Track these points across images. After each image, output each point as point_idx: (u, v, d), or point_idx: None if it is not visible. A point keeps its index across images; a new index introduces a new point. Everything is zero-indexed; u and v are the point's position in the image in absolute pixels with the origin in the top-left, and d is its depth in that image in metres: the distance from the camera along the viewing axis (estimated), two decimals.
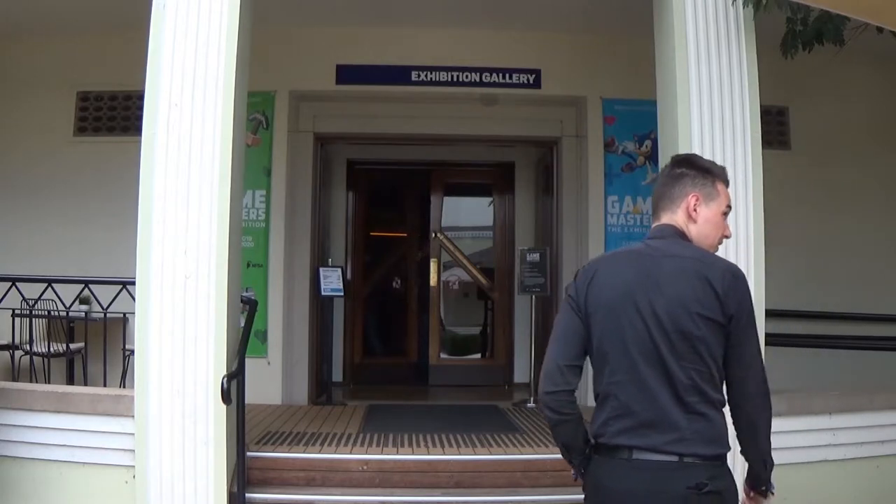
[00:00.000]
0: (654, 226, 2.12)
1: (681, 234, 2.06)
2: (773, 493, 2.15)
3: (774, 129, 6.56)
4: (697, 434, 1.90)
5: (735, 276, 1.96)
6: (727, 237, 2.16)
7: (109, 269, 5.23)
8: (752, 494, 2.15)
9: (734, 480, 2.00)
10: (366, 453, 4.44)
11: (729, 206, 2.14)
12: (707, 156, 4.19)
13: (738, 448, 2.08)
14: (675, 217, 2.08)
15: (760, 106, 4.30)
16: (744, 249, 4.19)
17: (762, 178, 4.24)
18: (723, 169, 2.15)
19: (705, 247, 2.07)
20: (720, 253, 2.14)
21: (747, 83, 4.26)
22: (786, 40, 4.21)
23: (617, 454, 1.93)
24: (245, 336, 4.28)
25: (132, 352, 4.17)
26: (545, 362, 2.02)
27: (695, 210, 2.07)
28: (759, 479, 2.11)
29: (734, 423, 2.03)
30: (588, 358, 2.05)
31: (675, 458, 1.88)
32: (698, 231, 2.07)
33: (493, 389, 7.56)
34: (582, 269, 2.11)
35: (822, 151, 6.58)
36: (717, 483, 1.91)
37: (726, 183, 2.14)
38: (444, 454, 4.47)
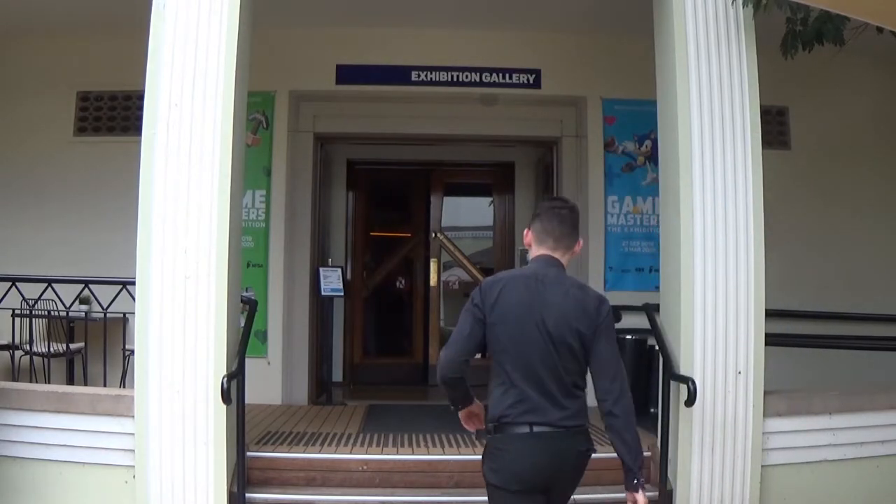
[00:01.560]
0: (544, 255, 2.70)
1: (560, 266, 2.70)
2: (643, 488, 2.56)
3: (774, 129, 6.56)
4: (576, 412, 2.60)
5: (601, 302, 2.66)
6: None
7: (109, 269, 5.23)
8: (628, 496, 2.58)
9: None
10: (366, 453, 4.44)
11: None
12: (707, 156, 4.22)
13: None
14: (561, 252, 2.71)
15: (760, 106, 4.31)
16: (743, 249, 4.19)
17: (762, 178, 4.24)
18: None
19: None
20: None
21: (747, 83, 4.26)
22: (786, 40, 4.21)
23: (521, 429, 2.55)
24: (245, 336, 4.28)
25: (132, 352, 4.17)
26: (448, 353, 2.60)
27: (577, 250, 2.76)
28: (629, 471, 2.58)
29: (601, 411, 2.62)
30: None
31: (563, 430, 2.56)
32: (567, 262, 2.74)
33: None
34: (486, 286, 2.65)
35: (822, 151, 6.57)
36: (590, 445, 2.67)
37: None
38: (444, 454, 4.47)
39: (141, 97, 4.12)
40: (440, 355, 2.65)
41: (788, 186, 6.07)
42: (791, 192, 6.15)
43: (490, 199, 8.46)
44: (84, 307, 5.40)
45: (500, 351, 2.58)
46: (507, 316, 2.57)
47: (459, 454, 4.44)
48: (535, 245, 2.72)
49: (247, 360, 4.22)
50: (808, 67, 4.90)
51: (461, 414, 2.75)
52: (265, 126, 6.38)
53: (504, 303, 2.58)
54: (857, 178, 6.62)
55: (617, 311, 6.30)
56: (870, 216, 6.62)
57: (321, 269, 6.63)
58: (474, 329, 2.60)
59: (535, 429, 2.53)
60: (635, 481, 2.55)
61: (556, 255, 2.69)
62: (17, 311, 5.04)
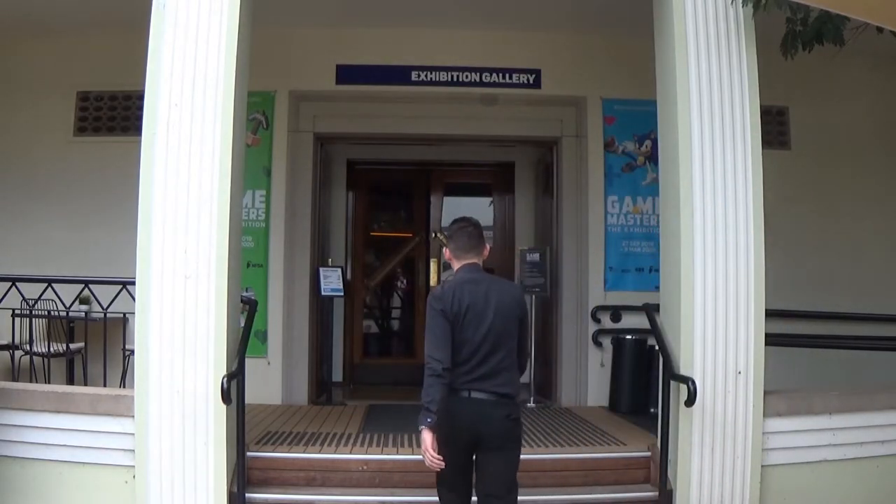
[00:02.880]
0: (466, 264, 3.39)
1: (481, 269, 3.43)
2: None
3: (774, 129, 6.56)
4: (506, 382, 3.24)
5: (523, 294, 3.63)
6: None
7: (109, 269, 5.22)
8: None
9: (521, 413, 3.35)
10: (366, 453, 4.44)
11: None
12: (707, 156, 4.22)
13: None
14: (477, 259, 3.42)
15: (760, 106, 4.30)
16: (743, 249, 4.20)
17: (762, 178, 4.24)
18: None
19: None
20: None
21: (747, 83, 4.26)
22: (786, 40, 4.21)
23: (463, 394, 3.21)
24: (245, 336, 4.28)
25: (132, 352, 4.17)
26: (443, 355, 3.16)
27: (485, 254, 3.47)
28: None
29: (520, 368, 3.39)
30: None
31: (494, 396, 3.21)
32: (482, 263, 3.46)
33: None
34: (441, 295, 3.29)
35: (822, 151, 6.58)
36: (517, 413, 3.29)
37: None
38: None
39: (141, 97, 4.12)
40: (433, 356, 3.18)
41: (788, 186, 6.07)
42: (791, 192, 6.15)
43: (490, 199, 8.45)
44: (84, 307, 5.40)
45: (460, 342, 3.21)
46: (464, 314, 3.23)
47: None
48: (455, 259, 3.43)
49: (247, 360, 4.22)
50: (808, 67, 4.91)
51: (429, 430, 3.12)
52: (265, 126, 6.38)
53: (459, 304, 3.24)
54: (858, 177, 6.62)
55: (617, 312, 6.38)
56: (870, 216, 6.62)
57: (321, 269, 6.63)
58: (446, 330, 3.22)
59: (473, 394, 3.21)
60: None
61: (475, 261, 3.41)
62: (17, 311, 5.04)
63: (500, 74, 6.49)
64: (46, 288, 4.92)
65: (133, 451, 3.97)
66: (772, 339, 4.32)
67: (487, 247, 3.49)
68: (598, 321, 6.43)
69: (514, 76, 6.50)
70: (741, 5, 4.17)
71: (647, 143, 6.41)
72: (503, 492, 3.24)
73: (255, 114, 6.25)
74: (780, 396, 4.29)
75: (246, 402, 4.21)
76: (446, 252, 3.53)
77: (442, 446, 3.12)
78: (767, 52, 4.31)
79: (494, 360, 3.23)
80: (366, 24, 6.24)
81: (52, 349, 5.42)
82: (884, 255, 6.56)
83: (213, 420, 3.93)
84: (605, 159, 6.50)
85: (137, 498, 3.93)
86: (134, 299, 4.06)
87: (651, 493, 4.25)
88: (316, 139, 6.76)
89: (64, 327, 5.46)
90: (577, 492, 4.24)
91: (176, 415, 3.92)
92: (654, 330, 4.53)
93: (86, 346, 5.41)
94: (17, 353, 5.33)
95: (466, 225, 3.46)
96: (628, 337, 6.10)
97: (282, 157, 6.39)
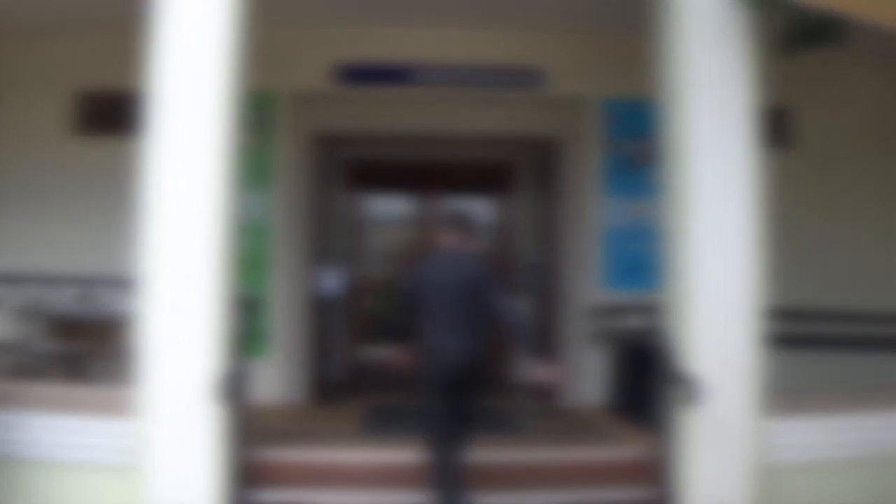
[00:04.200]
0: (450, 245, 4.23)
1: (461, 251, 4.23)
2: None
3: (774, 129, 6.55)
4: (471, 336, 4.07)
5: (486, 267, 4.21)
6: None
7: (109, 269, 5.23)
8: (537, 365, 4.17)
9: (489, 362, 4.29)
10: (366, 453, 4.44)
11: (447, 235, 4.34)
12: (707, 156, 4.22)
13: None
14: (455, 240, 4.24)
15: (760, 106, 4.31)
16: (744, 249, 4.20)
17: (762, 178, 4.24)
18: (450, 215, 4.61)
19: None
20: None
21: (747, 83, 4.26)
22: (786, 41, 4.21)
23: (441, 348, 4.04)
24: (244, 336, 4.29)
25: (132, 352, 4.17)
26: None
27: (471, 237, 4.30)
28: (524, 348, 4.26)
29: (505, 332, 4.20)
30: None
31: (463, 349, 4.02)
32: (469, 245, 4.27)
33: (493, 389, 7.54)
34: (418, 266, 4.29)
35: (822, 151, 6.58)
36: (482, 363, 4.13)
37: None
38: None
39: (141, 97, 4.12)
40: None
41: (788, 186, 6.05)
42: (791, 192, 6.13)
43: (490, 198, 8.44)
44: (84, 307, 5.40)
45: (433, 301, 4.10)
46: (433, 280, 4.12)
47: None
48: (443, 240, 4.27)
49: (247, 360, 4.22)
50: (808, 68, 4.91)
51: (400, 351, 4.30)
52: (265, 126, 6.38)
53: (432, 273, 4.16)
54: (858, 178, 6.62)
55: (617, 311, 6.38)
56: (871, 216, 6.62)
57: (321, 269, 6.63)
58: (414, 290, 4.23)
59: (449, 347, 4.03)
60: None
61: (458, 243, 4.25)
62: (17, 311, 5.04)
63: (501, 74, 6.49)
64: (46, 288, 4.92)
65: (133, 451, 3.97)
66: (772, 339, 4.32)
67: (474, 231, 4.36)
68: (598, 321, 6.43)
69: (514, 76, 6.51)
70: (741, 6, 4.17)
71: (647, 143, 6.40)
72: None
73: (255, 114, 6.24)
74: (780, 396, 4.29)
75: (246, 402, 4.21)
76: (438, 236, 4.40)
77: (429, 392, 4.15)
78: (768, 52, 4.31)
79: (463, 320, 4.13)
80: (366, 24, 6.25)
81: (52, 349, 5.42)
82: (884, 255, 6.57)
83: (214, 420, 3.93)
84: (605, 159, 6.50)
85: (137, 498, 3.93)
86: (134, 299, 4.06)
87: (651, 493, 4.25)
88: (316, 139, 6.77)
89: (64, 327, 5.46)
90: (577, 491, 4.25)
91: (175, 414, 3.93)
92: (654, 330, 4.53)
93: (86, 347, 5.42)
94: (17, 354, 5.33)
95: (458, 215, 4.43)
96: (628, 337, 6.10)
97: (282, 157, 6.40)
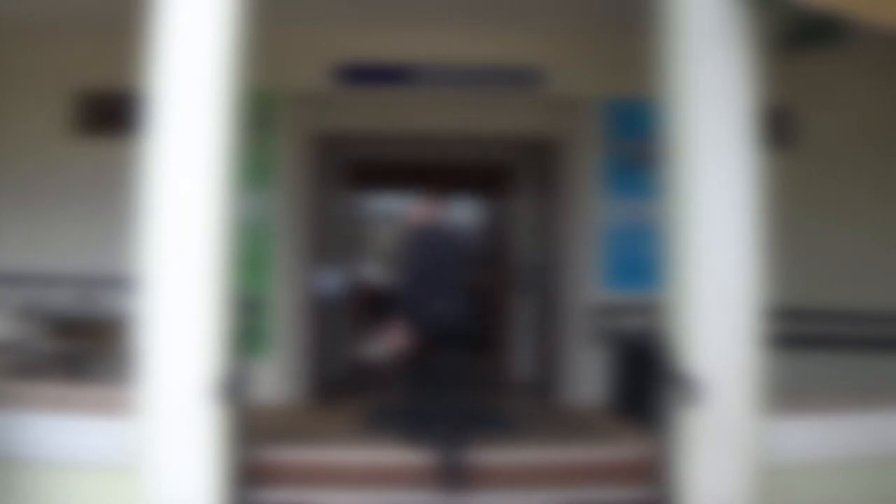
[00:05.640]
0: (430, 219, 4.99)
1: (440, 222, 4.99)
2: None
3: (775, 129, 6.54)
4: (455, 297, 4.68)
5: (466, 235, 5.37)
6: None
7: (109, 269, 5.23)
8: None
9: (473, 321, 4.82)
10: (366, 453, 4.44)
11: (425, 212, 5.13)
12: (707, 156, 4.22)
13: None
14: (437, 213, 5.02)
15: (761, 106, 4.30)
16: (744, 249, 4.20)
17: (762, 178, 4.24)
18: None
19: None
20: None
21: (747, 83, 4.26)
22: (786, 40, 4.21)
23: (429, 307, 4.62)
24: (244, 336, 4.29)
25: (132, 352, 4.17)
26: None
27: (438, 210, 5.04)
28: None
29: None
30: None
31: (448, 310, 4.62)
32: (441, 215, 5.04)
33: (493, 389, 7.56)
34: (409, 235, 4.95)
35: (822, 152, 6.57)
36: (464, 323, 4.68)
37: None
38: None
39: (141, 97, 4.12)
40: None
41: (789, 186, 6.05)
42: (791, 192, 6.13)
43: (490, 198, 8.46)
44: (84, 307, 5.40)
45: (424, 268, 4.68)
46: (426, 250, 4.73)
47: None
48: (423, 216, 5.02)
49: (247, 359, 4.22)
50: (809, 68, 4.91)
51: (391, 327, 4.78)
52: (265, 126, 6.37)
53: (423, 242, 4.79)
54: (859, 178, 6.62)
55: (617, 311, 6.37)
56: (871, 216, 6.62)
57: (321, 270, 6.63)
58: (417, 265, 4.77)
59: (436, 307, 4.60)
60: None
61: (438, 216, 5.01)
62: (17, 311, 5.04)
63: (500, 74, 6.49)
64: (46, 287, 4.92)
65: (132, 451, 3.97)
66: (773, 339, 4.32)
67: (445, 205, 5.25)
68: (598, 321, 6.43)
69: (514, 76, 6.50)
70: (742, 5, 4.17)
71: (648, 142, 6.40)
72: None
73: (255, 113, 6.23)
74: (780, 396, 4.29)
75: (246, 402, 4.21)
76: (419, 212, 5.15)
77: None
78: (768, 52, 4.30)
79: (448, 283, 4.76)
80: (366, 24, 6.25)
81: (52, 349, 5.42)
82: (883, 256, 6.56)
83: (213, 419, 3.93)
84: (605, 159, 6.50)
85: (137, 498, 3.93)
86: (134, 299, 4.06)
87: (651, 493, 4.25)
88: (316, 139, 6.76)
89: (64, 327, 5.46)
90: (576, 491, 4.25)
91: (175, 414, 3.92)
92: (654, 330, 4.54)
93: (86, 347, 5.42)
94: (17, 353, 5.33)
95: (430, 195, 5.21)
96: (628, 337, 6.10)
97: (282, 156, 6.39)
